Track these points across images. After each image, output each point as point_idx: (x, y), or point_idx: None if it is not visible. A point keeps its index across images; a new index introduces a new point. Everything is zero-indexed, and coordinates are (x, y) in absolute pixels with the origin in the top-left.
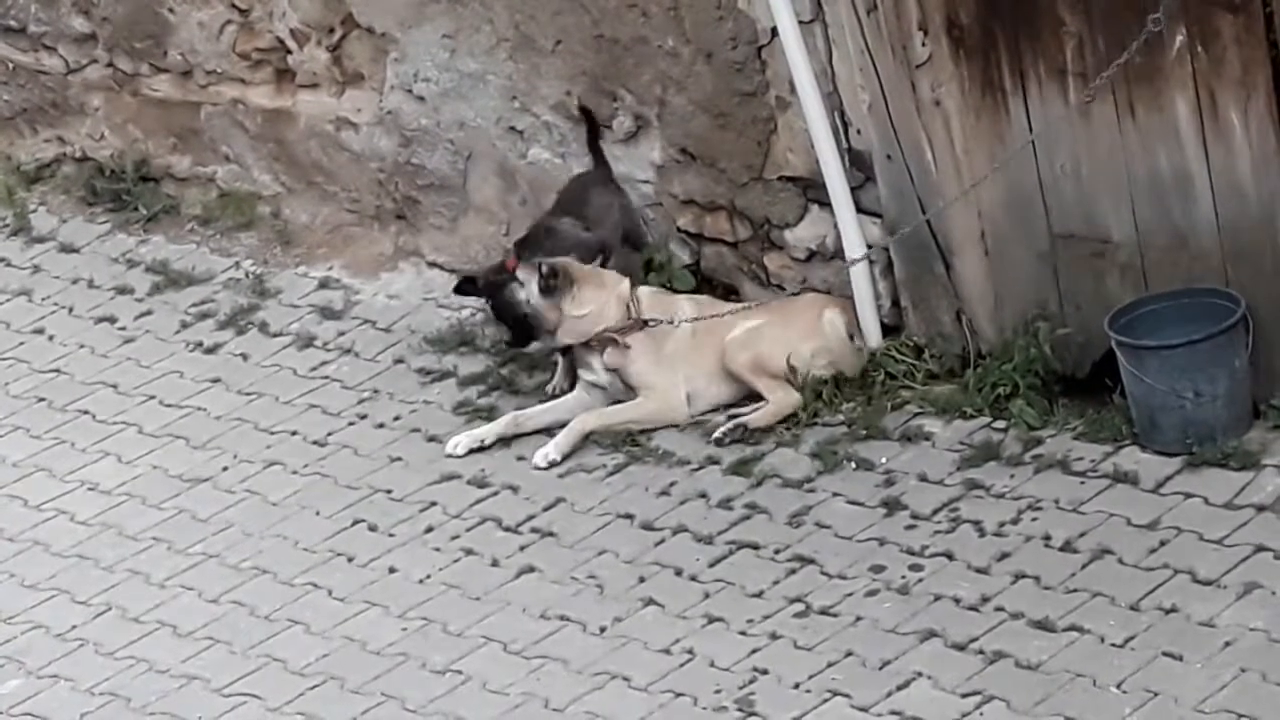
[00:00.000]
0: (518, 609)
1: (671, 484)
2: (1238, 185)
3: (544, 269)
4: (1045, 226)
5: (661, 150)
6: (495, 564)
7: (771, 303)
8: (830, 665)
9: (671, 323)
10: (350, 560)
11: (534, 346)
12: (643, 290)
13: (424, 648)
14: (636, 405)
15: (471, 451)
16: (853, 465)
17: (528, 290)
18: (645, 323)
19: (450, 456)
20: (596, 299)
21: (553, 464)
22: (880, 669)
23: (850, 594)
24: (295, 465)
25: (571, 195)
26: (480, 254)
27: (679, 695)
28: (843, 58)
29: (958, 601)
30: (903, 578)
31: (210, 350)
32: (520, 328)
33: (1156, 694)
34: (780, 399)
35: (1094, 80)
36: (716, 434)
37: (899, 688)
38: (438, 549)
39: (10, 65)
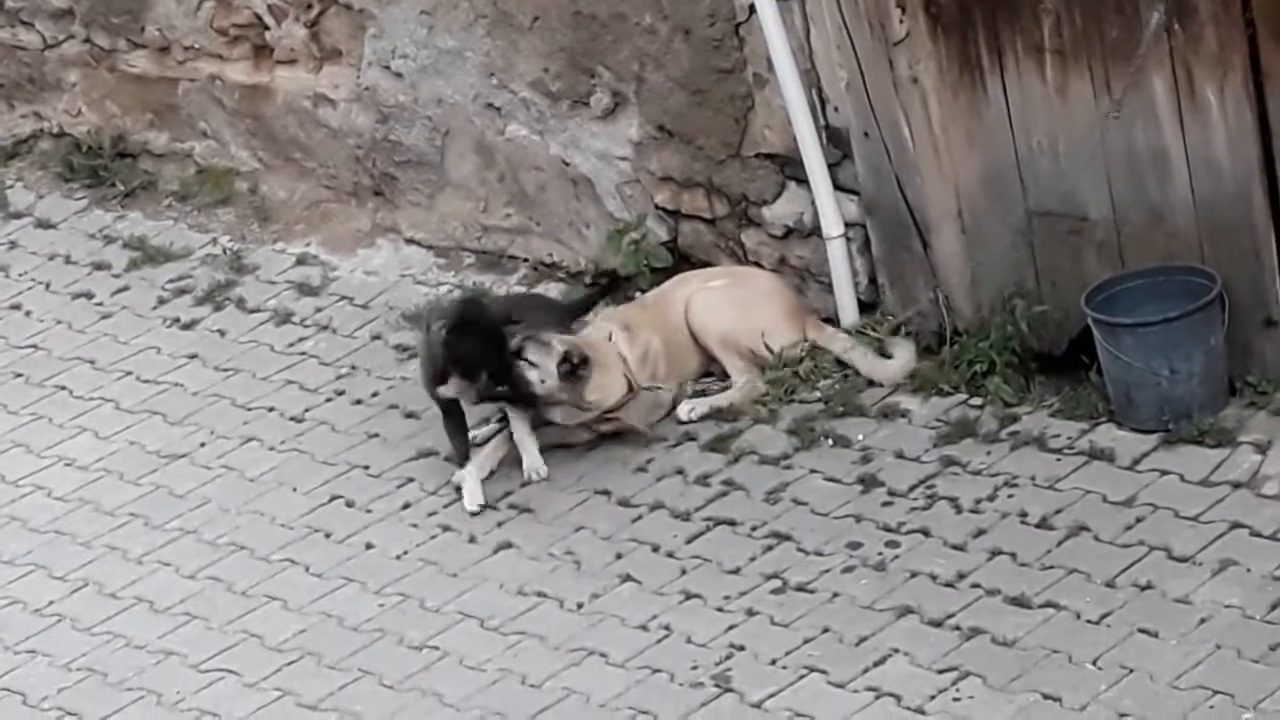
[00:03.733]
0: (495, 585)
1: (649, 460)
2: (1214, 163)
3: (574, 356)
4: (1022, 204)
5: (639, 127)
6: (473, 540)
7: (728, 269)
8: (807, 641)
9: (660, 389)
10: (328, 536)
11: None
12: (619, 340)
13: (401, 623)
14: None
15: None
16: (830, 442)
17: (543, 371)
18: (643, 389)
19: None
20: (605, 382)
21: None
22: (857, 645)
23: (827, 570)
24: (272, 441)
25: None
26: (458, 231)
27: (656, 671)
28: (820, 35)
29: (934, 578)
30: (879, 554)
31: (187, 326)
32: (519, 399)
33: (1132, 670)
34: (746, 384)
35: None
36: (680, 413)
37: (875, 664)
38: (415, 525)
39: None
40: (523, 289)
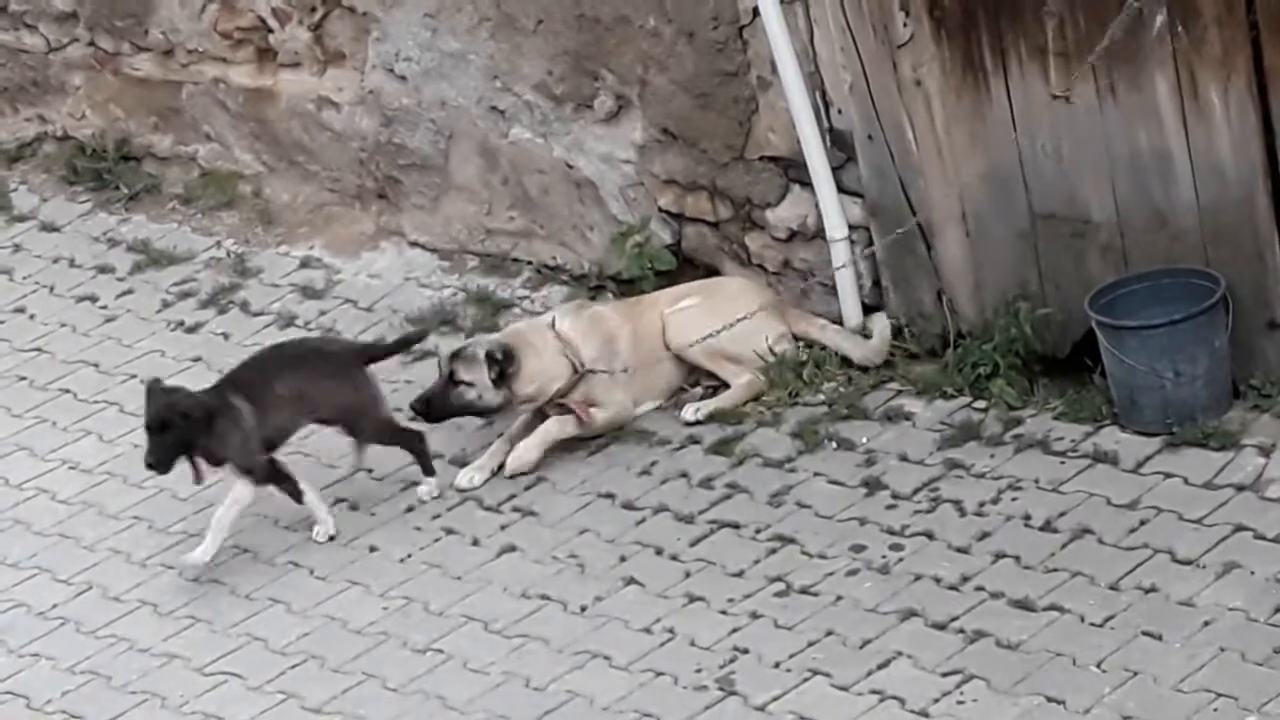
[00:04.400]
0: (498, 588)
1: (652, 463)
2: (1218, 165)
3: (495, 357)
4: (1026, 206)
5: (643, 130)
6: (476, 543)
7: (698, 284)
8: (811, 644)
9: (610, 373)
10: (331, 539)
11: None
12: (563, 325)
13: (405, 627)
14: (598, 414)
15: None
16: (833, 445)
17: (479, 386)
18: (589, 371)
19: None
20: (539, 367)
21: (523, 473)
22: (860, 648)
23: (831, 573)
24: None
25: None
26: (462, 234)
27: (659, 674)
28: (824, 37)
29: (938, 581)
30: (883, 557)
31: (192, 329)
32: (478, 414)
33: (1136, 673)
34: (747, 383)
35: (1080, 62)
36: (685, 414)
37: (879, 667)
38: (419, 528)
39: None
40: (320, 340)
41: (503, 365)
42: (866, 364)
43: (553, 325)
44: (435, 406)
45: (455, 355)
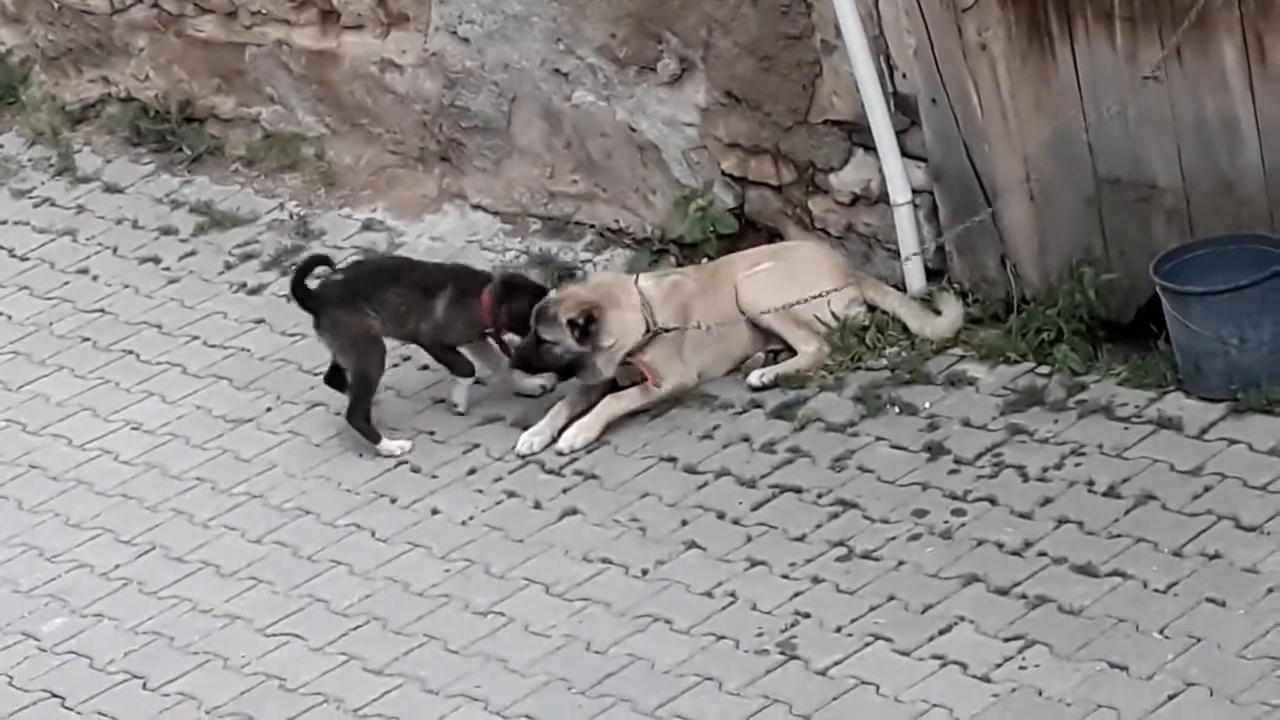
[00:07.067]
0: (560, 551)
1: (714, 427)
2: None
3: (577, 320)
4: (1091, 171)
5: (706, 93)
6: (538, 506)
7: (769, 248)
8: (872, 609)
9: (682, 329)
10: (393, 501)
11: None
12: (645, 284)
13: (466, 589)
14: (650, 390)
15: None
16: (896, 410)
17: (563, 345)
18: (663, 331)
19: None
20: (620, 320)
21: (575, 450)
22: (922, 613)
23: (893, 538)
24: (338, 406)
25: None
26: (524, 197)
27: (721, 638)
28: (889, 1)
29: (1000, 546)
30: (945, 522)
31: (254, 291)
32: (566, 371)
33: (1199, 639)
34: (814, 351)
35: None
36: (752, 379)
37: (941, 632)
38: (480, 491)
39: (56, 5)
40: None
41: (584, 327)
42: (929, 340)
43: (636, 281)
44: (528, 362)
45: (539, 315)
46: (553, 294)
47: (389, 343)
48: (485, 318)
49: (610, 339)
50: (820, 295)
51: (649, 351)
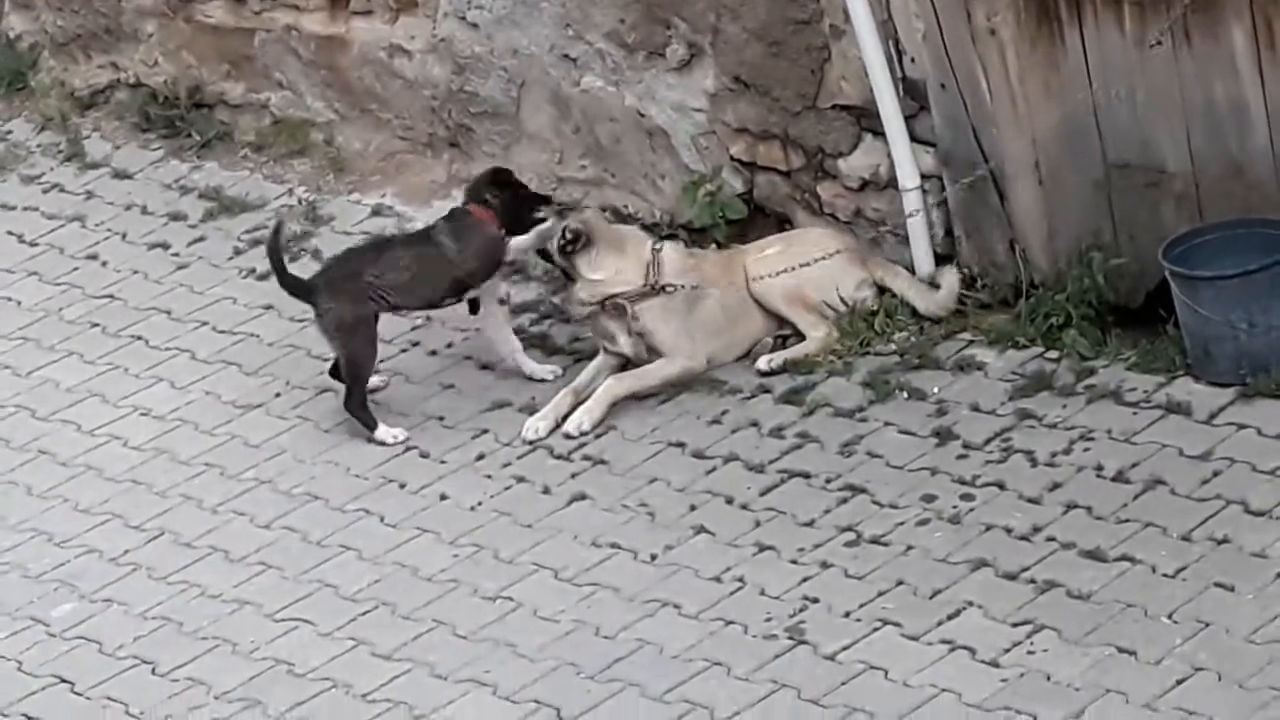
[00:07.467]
0: (569, 536)
1: (723, 412)
2: None
3: (565, 233)
4: (1100, 156)
5: (715, 78)
6: (546, 491)
7: (781, 235)
8: (881, 594)
9: (685, 288)
10: (402, 487)
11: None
12: (667, 251)
13: (475, 574)
14: (662, 367)
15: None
16: (905, 395)
17: (551, 248)
18: (662, 289)
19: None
20: (614, 263)
21: (584, 433)
22: (931, 598)
23: (901, 523)
24: None
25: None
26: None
27: (729, 623)
28: None
29: (1009, 531)
30: (954, 507)
31: (263, 277)
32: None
33: (1208, 624)
34: (823, 336)
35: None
36: (760, 364)
37: (950, 617)
38: (489, 476)
39: None
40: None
41: (572, 242)
42: (931, 315)
43: (657, 242)
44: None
45: (559, 213)
46: (589, 212)
47: (400, 325)
48: (487, 218)
49: (594, 273)
50: (814, 262)
51: (654, 316)
